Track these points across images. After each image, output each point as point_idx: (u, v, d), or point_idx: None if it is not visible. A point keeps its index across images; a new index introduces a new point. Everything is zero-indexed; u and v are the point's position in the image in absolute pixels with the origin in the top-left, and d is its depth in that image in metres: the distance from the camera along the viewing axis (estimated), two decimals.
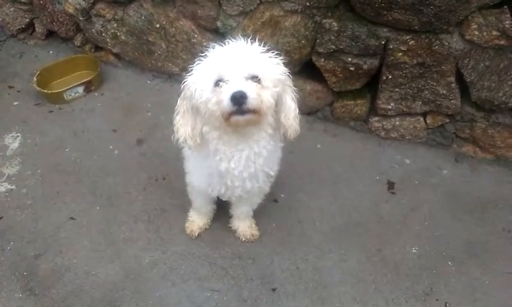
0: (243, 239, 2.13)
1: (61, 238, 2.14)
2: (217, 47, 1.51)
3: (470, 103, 2.39)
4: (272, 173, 1.77)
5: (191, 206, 2.13)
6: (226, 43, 1.51)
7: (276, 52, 1.54)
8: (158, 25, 2.74)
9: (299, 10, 2.34)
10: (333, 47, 2.34)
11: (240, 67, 1.43)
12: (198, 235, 2.14)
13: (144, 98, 2.85)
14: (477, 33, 2.13)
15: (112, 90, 2.93)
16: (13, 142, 2.58)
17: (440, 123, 2.50)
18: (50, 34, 3.26)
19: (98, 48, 3.11)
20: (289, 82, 1.59)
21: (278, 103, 1.57)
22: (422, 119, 2.53)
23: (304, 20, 2.36)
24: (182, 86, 1.58)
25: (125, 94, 2.90)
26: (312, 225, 2.22)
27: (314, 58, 2.47)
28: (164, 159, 2.45)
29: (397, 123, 2.56)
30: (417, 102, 2.43)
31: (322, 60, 2.44)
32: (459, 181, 2.44)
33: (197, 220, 2.15)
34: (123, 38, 2.91)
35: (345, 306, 1.94)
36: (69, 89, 2.81)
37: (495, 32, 2.09)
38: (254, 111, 1.43)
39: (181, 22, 2.68)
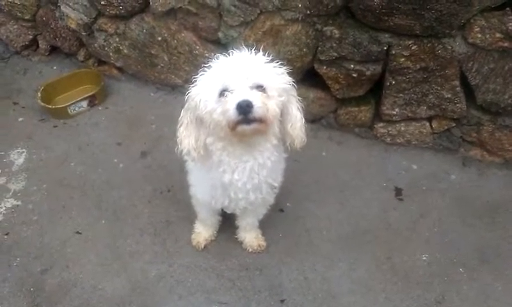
0: (250, 250, 2.11)
1: (68, 252, 2.13)
2: (221, 57, 1.51)
3: (475, 106, 2.37)
4: (275, 184, 1.76)
5: (197, 218, 2.12)
6: (230, 53, 1.51)
7: (280, 62, 1.53)
8: (160, 38, 2.75)
9: (300, 19, 2.34)
10: (335, 54, 2.33)
11: (245, 76, 1.42)
12: (204, 247, 2.13)
13: (148, 111, 2.85)
14: (480, 36, 2.11)
15: (116, 103, 2.94)
16: (19, 158, 2.59)
17: (445, 127, 2.49)
18: (54, 50, 3.28)
19: (101, 62, 3.13)
20: (294, 91, 1.59)
21: (284, 113, 1.56)
22: (427, 124, 2.51)
23: (305, 29, 2.36)
24: (186, 97, 1.57)
25: (128, 108, 2.91)
26: (320, 234, 2.20)
27: (316, 66, 2.47)
28: (168, 171, 2.44)
29: (403, 128, 2.55)
30: (422, 106, 2.42)
31: (325, 68, 2.43)
32: (468, 185, 2.41)
33: (203, 232, 2.13)
34: (125, 51, 2.92)
35: None
36: (73, 103, 2.82)
37: (498, 35, 2.08)
38: (260, 120, 1.42)
39: (182, 34, 2.69)
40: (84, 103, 2.86)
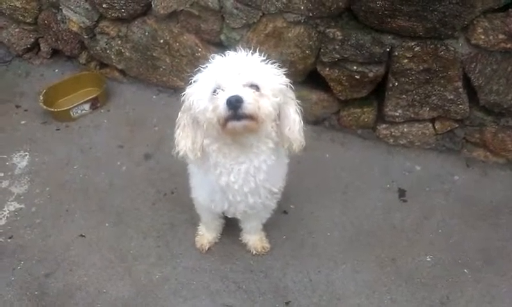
0: (254, 252, 2.11)
1: (72, 256, 2.13)
2: (216, 57, 1.52)
3: (478, 107, 2.37)
4: (275, 190, 1.75)
5: (200, 220, 2.12)
6: (226, 54, 1.51)
7: (277, 63, 1.54)
8: (162, 41, 2.76)
9: (302, 21, 2.34)
10: (338, 56, 2.34)
11: (238, 74, 1.42)
12: (208, 249, 2.13)
13: (150, 113, 2.85)
14: (483, 37, 2.12)
15: (118, 106, 2.94)
16: (21, 161, 2.59)
17: (449, 128, 2.49)
18: (55, 53, 3.28)
19: (103, 65, 3.13)
20: (291, 94, 1.58)
21: (282, 116, 1.56)
22: (430, 125, 2.51)
23: (308, 31, 2.36)
24: (182, 98, 1.58)
25: (131, 110, 2.91)
26: (324, 236, 2.20)
27: (319, 68, 2.47)
28: (172, 173, 2.44)
29: (406, 129, 2.55)
30: (425, 108, 2.42)
31: (327, 69, 2.44)
32: (471, 186, 2.41)
33: (206, 234, 2.13)
34: (127, 54, 2.92)
35: None
36: (75, 106, 2.82)
37: (501, 36, 2.09)
38: (251, 117, 1.41)
39: (185, 37, 2.69)
40: (87, 106, 2.86)
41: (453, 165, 2.52)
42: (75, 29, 2.95)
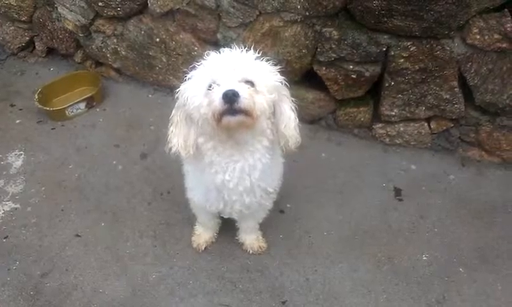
0: (251, 252, 2.11)
1: (67, 255, 2.12)
2: (211, 53, 1.52)
3: (474, 107, 2.38)
4: (270, 189, 1.75)
5: (197, 220, 2.12)
6: (221, 51, 1.52)
7: (272, 61, 1.54)
8: (158, 40, 2.75)
9: (299, 20, 2.34)
10: (334, 55, 2.34)
11: (233, 70, 1.43)
12: (204, 249, 2.13)
13: (146, 112, 2.85)
14: (478, 37, 2.13)
15: (114, 105, 2.93)
16: (16, 160, 2.58)
17: (444, 127, 2.50)
18: (51, 52, 3.27)
19: (98, 63, 3.12)
20: (286, 91, 1.58)
21: (277, 113, 1.56)
22: (426, 124, 2.52)
23: (304, 30, 2.36)
24: (176, 95, 1.58)
25: (127, 109, 2.90)
26: (320, 235, 2.20)
27: (315, 67, 2.47)
28: (168, 173, 2.43)
29: (401, 129, 2.56)
30: (421, 107, 2.43)
31: (324, 69, 2.44)
32: (467, 186, 2.42)
33: (203, 234, 2.13)
34: (123, 53, 2.91)
35: None
36: (71, 105, 2.81)
37: (496, 36, 2.10)
38: (246, 113, 1.41)
39: (181, 36, 2.69)
40: (82, 105, 2.85)
41: (448, 164, 2.53)
42: (70, 27, 2.94)
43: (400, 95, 2.41)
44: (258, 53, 1.52)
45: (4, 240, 2.18)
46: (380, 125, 2.59)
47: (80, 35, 2.96)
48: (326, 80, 2.48)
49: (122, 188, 2.41)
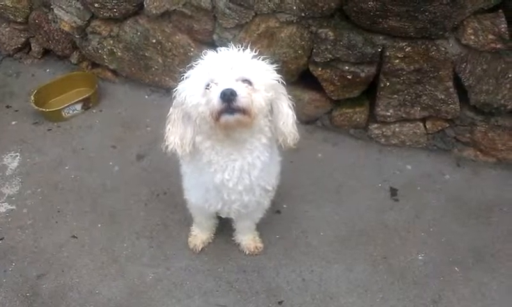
0: (247, 252, 2.11)
1: (64, 257, 2.12)
2: (209, 53, 1.53)
3: (469, 107, 2.40)
4: (269, 188, 1.76)
5: (193, 220, 2.12)
6: (218, 50, 1.53)
7: (269, 60, 1.55)
8: (154, 41, 2.75)
9: (295, 21, 2.35)
10: (330, 56, 2.35)
11: (231, 70, 1.44)
12: (201, 250, 2.13)
13: (142, 113, 2.85)
14: (473, 38, 2.14)
15: (111, 106, 2.93)
16: (12, 161, 2.57)
17: (439, 128, 2.51)
18: (47, 53, 3.27)
19: (95, 65, 3.12)
20: (283, 89, 1.59)
21: (275, 111, 1.57)
22: (421, 124, 2.54)
23: (300, 31, 2.37)
24: (174, 94, 1.59)
25: (123, 110, 2.90)
26: (316, 235, 2.21)
27: (311, 68, 2.48)
28: (165, 174, 2.43)
29: (397, 129, 2.57)
30: (416, 107, 2.44)
31: (320, 69, 2.45)
32: (462, 185, 2.43)
33: (200, 234, 2.13)
34: (119, 54, 2.91)
35: None
36: (67, 106, 2.80)
37: (490, 36, 2.11)
38: (244, 111, 1.42)
39: (177, 37, 2.69)
40: (78, 106, 2.85)
41: (444, 164, 2.54)
42: (66, 28, 2.94)
43: (395, 96, 2.42)
44: (255, 52, 1.53)
45: (0, 242, 2.18)
46: (376, 125, 2.60)
47: (77, 36, 2.96)
48: (322, 80, 2.48)
49: (119, 190, 2.41)
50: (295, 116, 1.60)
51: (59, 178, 2.48)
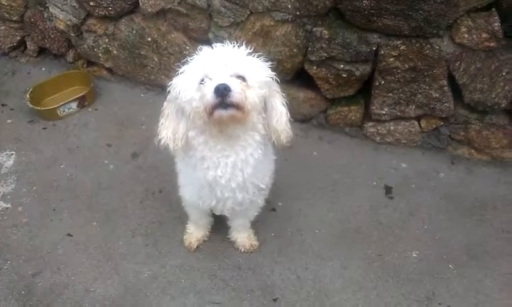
0: (242, 250, 2.12)
1: (59, 255, 2.12)
2: (204, 48, 1.54)
3: (463, 105, 2.41)
4: (262, 186, 1.76)
5: (189, 218, 2.12)
6: (213, 46, 1.54)
7: (264, 57, 1.56)
8: (150, 39, 2.75)
9: (290, 19, 2.36)
10: (325, 54, 2.36)
11: (225, 66, 1.45)
12: (196, 247, 2.13)
13: (138, 112, 2.84)
14: (466, 36, 2.15)
15: (106, 105, 2.93)
16: (8, 160, 2.57)
17: (434, 126, 2.53)
18: (42, 51, 3.26)
19: (90, 63, 3.12)
20: (277, 86, 1.61)
21: (269, 108, 1.58)
22: (416, 123, 2.55)
23: (295, 29, 2.38)
24: (168, 88, 1.59)
25: (118, 109, 2.90)
26: (311, 233, 2.22)
27: (306, 66, 2.49)
28: (160, 172, 2.44)
29: (392, 127, 2.58)
30: (411, 106, 2.45)
31: (315, 68, 2.46)
32: (456, 183, 2.45)
33: (195, 232, 2.14)
34: (115, 52, 2.91)
35: None
36: (62, 105, 2.80)
37: (484, 35, 2.12)
38: (237, 107, 1.43)
39: (173, 35, 2.69)
40: (74, 105, 2.84)
41: (438, 162, 2.56)
42: (62, 27, 2.93)
43: (390, 94, 2.43)
44: (250, 49, 1.54)
45: None
46: (371, 123, 2.61)
47: (72, 35, 2.95)
48: (317, 79, 2.49)
49: (114, 188, 2.41)
50: (288, 114, 1.61)
51: (55, 177, 2.47)
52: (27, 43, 3.23)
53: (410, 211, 2.31)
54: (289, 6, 2.29)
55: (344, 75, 2.41)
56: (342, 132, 2.71)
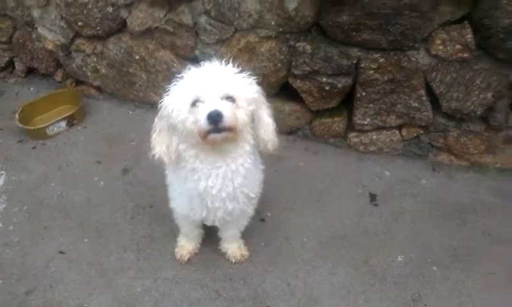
0: (233, 260, 2.15)
1: (51, 272, 2.13)
2: (193, 68, 1.59)
3: (441, 113, 2.50)
4: (252, 195, 1.81)
5: (179, 231, 2.15)
6: (202, 64, 1.59)
7: (250, 73, 1.62)
8: (138, 57, 2.81)
9: (273, 36, 2.44)
10: (308, 68, 2.44)
11: (216, 87, 1.50)
12: (188, 260, 2.16)
13: (127, 129, 2.88)
14: (441, 48, 2.25)
15: (95, 123, 2.96)
16: None
17: (414, 134, 2.61)
18: (31, 71, 3.29)
19: (79, 82, 3.16)
20: (263, 99, 1.67)
21: (256, 120, 1.65)
22: (397, 132, 2.63)
23: (279, 45, 2.46)
24: (159, 106, 1.64)
25: (107, 126, 2.94)
26: (300, 241, 2.26)
27: (291, 80, 2.56)
28: (150, 187, 2.47)
29: (374, 137, 2.66)
30: (391, 116, 2.54)
31: (299, 81, 2.53)
32: (438, 189, 2.52)
33: (186, 245, 2.16)
34: (103, 71, 2.96)
35: None
36: (52, 124, 2.83)
37: (458, 46, 2.22)
38: (230, 129, 1.50)
39: (160, 53, 2.76)
40: (63, 123, 2.88)
41: (420, 169, 2.63)
42: (50, 47, 2.98)
43: (371, 105, 2.51)
44: (237, 66, 1.59)
45: None
46: (354, 133, 2.69)
47: (61, 54, 3.01)
48: (302, 92, 2.57)
49: (104, 204, 2.43)
50: (274, 124, 1.68)
51: (45, 195, 2.49)
52: (16, 63, 3.27)
53: (394, 217, 2.37)
54: (272, 23, 2.37)
55: (327, 88, 2.48)
56: (326, 142, 2.78)
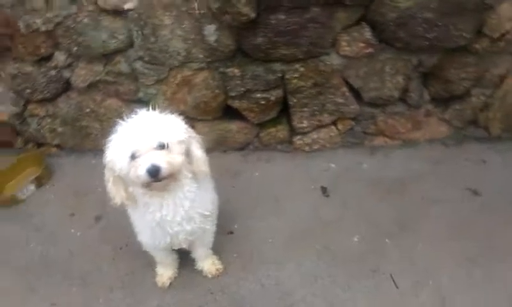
0: (210, 276, 2.26)
1: None
2: (127, 120, 1.68)
3: (366, 103, 2.71)
4: (206, 213, 1.94)
5: (156, 261, 2.27)
6: (135, 113, 1.69)
7: (177, 113, 1.75)
8: (88, 110, 2.92)
9: (205, 67, 2.60)
10: (242, 89, 2.62)
11: (149, 139, 1.62)
12: (169, 285, 2.26)
13: (91, 178, 2.81)
14: (348, 48, 2.46)
15: (61, 178, 3.04)
16: None
17: (349, 126, 2.81)
18: None
19: (39, 144, 3.22)
20: (192, 134, 1.78)
21: (189, 154, 1.79)
22: (333, 127, 2.83)
23: (211, 73, 2.63)
24: (104, 159, 1.74)
25: (73, 179, 3.01)
26: (267, 243, 2.41)
27: (230, 102, 2.74)
28: (122, 227, 2.42)
29: (315, 136, 2.85)
30: (324, 114, 2.74)
31: (237, 102, 2.71)
32: (378, 169, 2.74)
33: (165, 272, 2.27)
34: (59, 129, 3.05)
35: (310, 304, 2.11)
36: (20, 190, 2.90)
37: (361, 44, 2.44)
38: (169, 176, 1.67)
39: (108, 102, 2.88)
40: (32, 186, 2.94)
41: (360, 155, 2.84)
42: (5, 118, 3.05)
43: (305, 109, 2.71)
44: (167, 110, 1.75)
45: None
46: (298, 137, 2.88)
47: (16, 123, 3.07)
48: (242, 110, 2.75)
49: (85, 252, 2.50)
50: (205, 154, 1.82)
51: (27, 257, 2.52)
52: None
53: (344, 203, 2.57)
54: (200, 56, 2.54)
55: (263, 102, 2.67)
56: (275, 149, 2.97)
